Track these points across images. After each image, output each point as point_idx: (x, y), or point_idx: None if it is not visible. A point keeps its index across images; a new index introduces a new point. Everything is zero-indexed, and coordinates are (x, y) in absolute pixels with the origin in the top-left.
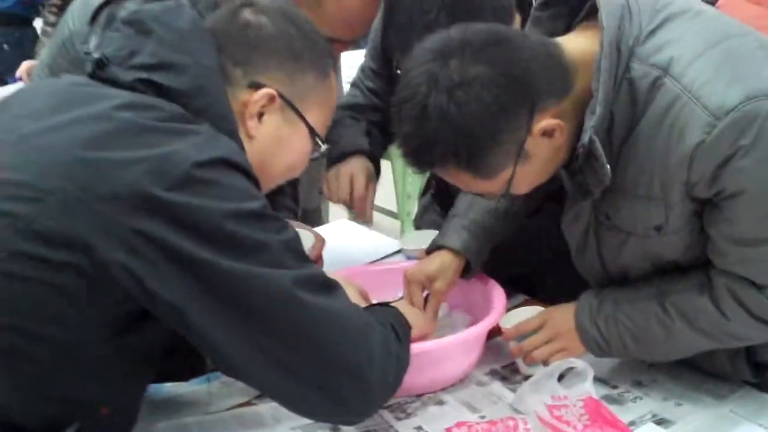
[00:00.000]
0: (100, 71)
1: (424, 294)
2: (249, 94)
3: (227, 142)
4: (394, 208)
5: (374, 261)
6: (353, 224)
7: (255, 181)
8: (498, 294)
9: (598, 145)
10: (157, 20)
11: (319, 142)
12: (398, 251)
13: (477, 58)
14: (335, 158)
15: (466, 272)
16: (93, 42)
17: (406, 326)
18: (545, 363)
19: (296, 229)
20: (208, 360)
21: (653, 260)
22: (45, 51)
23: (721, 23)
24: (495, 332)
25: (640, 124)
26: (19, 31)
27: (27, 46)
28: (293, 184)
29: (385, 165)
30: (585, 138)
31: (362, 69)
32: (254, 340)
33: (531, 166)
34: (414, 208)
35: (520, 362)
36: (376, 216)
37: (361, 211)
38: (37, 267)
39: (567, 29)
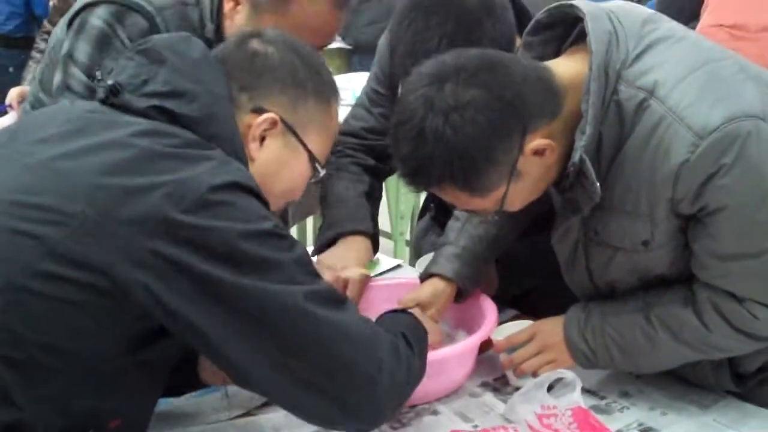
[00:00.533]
0: (113, 98)
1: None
2: (252, 118)
3: (239, 167)
4: (387, 228)
5: (375, 276)
6: None
7: (265, 203)
8: (490, 308)
9: (589, 164)
10: (170, 49)
11: (318, 168)
12: (398, 266)
13: (471, 83)
14: (331, 239)
15: (458, 297)
16: (65, 47)
17: (421, 332)
18: (534, 375)
19: None
20: (202, 375)
21: (640, 274)
22: (38, 67)
23: (703, 48)
24: (487, 345)
25: (627, 144)
26: (25, 53)
27: None
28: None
29: None
30: (576, 157)
31: (367, 93)
32: (269, 353)
33: (523, 183)
34: (407, 228)
35: (510, 374)
36: None
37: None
38: (61, 286)
39: (557, 53)
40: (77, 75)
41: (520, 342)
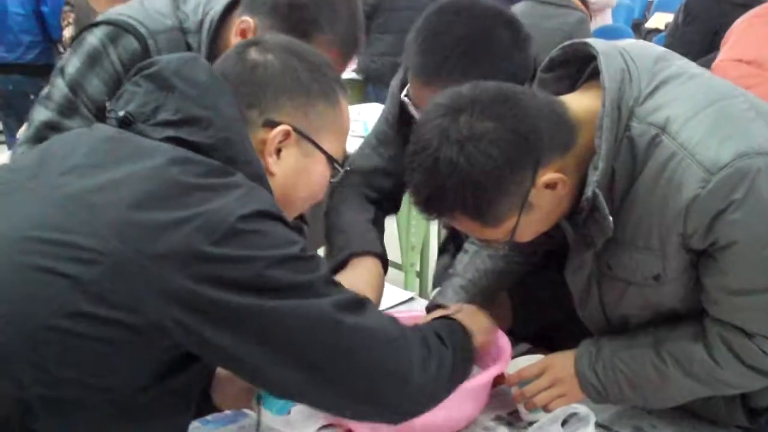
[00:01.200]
0: (126, 128)
1: None
2: (266, 133)
3: (265, 194)
4: (398, 259)
5: (386, 309)
6: None
7: (290, 227)
8: (504, 342)
9: (602, 199)
10: (178, 75)
11: (338, 167)
12: (411, 299)
13: (486, 114)
14: (343, 260)
15: None
16: (62, 62)
17: (458, 331)
18: (546, 409)
19: None
20: (215, 399)
21: (652, 309)
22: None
23: (714, 85)
24: (501, 379)
25: (639, 179)
26: (46, 80)
27: None
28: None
29: (389, 217)
30: (589, 191)
31: (376, 133)
32: (306, 366)
33: (534, 215)
34: (417, 259)
35: (521, 408)
36: None
37: None
38: (94, 325)
39: (570, 90)
40: (60, 86)
41: (531, 375)
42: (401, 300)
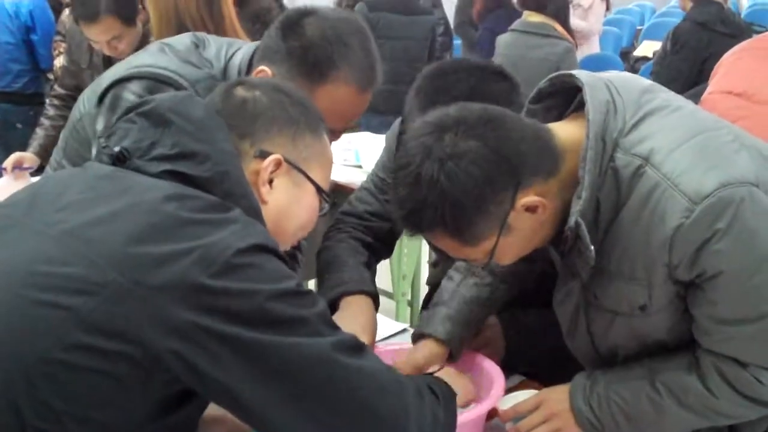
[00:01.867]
0: (121, 165)
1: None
2: (258, 163)
3: (260, 228)
4: (389, 288)
5: (379, 341)
6: None
7: (285, 261)
8: (497, 376)
9: (584, 228)
10: (173, 111)
11: (325, 198)
12: (403, 330)
13: (469, 134)
14: (335, 299)
15: (450, 358)
16: (100, 123)
17: (446, 388)
18: None
19: None
20: None
21: (640, 340)
22: (61, 135)
23: (699, 118)
24: (494, 413)
25: (623, 210)
26: (33, 109)
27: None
28: (293, 268)
29: None
30: (572, 221)
31: (373, 179)
32: (301, 405)
33: (513, 238)
34: (409, 288)
35: None
36: None
37: None
38: (92, 357)
39: (558, 120)
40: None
41: (525, 411)
42: (394, 332)
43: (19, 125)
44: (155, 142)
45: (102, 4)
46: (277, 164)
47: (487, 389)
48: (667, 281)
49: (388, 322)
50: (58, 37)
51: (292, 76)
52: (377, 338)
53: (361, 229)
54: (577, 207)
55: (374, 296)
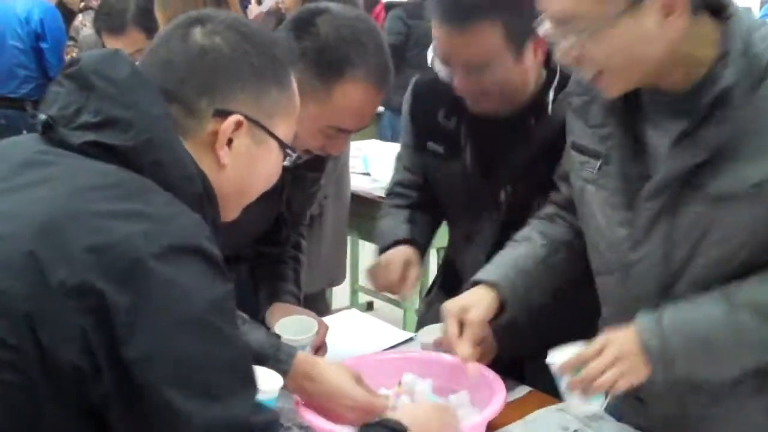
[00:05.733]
0: (50, 133)
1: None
2: (217, 124)
3: (182, 221)
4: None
5: (386, 349)
6: (360, 314)
7: (214, 262)
8: (497, 386)
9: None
10: (96, 72)
11: (290, 152)
12: (410, 339)
13: None
14: (379, 252)
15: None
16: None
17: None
18: (610, 391)
19: (299, 316)
20: None
21: (723, 244)
22: None
23: None
24: (493, 425)
25: (761, 86)
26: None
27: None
28: (296, 269)
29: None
30: (727, 79)
31: (398, 155)
32: None
33: (633, 28)
34: (417, 298)
35: (573, 401)
36: (379, 304)
37: (401, 294)
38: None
39: None
40: None
41: (590, 356)
42: (400, 340)
43: (24, 131)
44: (81, 107)
45: (129, 17)
46: (238, 124)
47: (488, 399)
48: None
49: (395, 331)
50: (70, 43)
51: (306, 76)
52: (384, 347)
53: (398, 195)
54: (730, 68)
55: (411, 241)
